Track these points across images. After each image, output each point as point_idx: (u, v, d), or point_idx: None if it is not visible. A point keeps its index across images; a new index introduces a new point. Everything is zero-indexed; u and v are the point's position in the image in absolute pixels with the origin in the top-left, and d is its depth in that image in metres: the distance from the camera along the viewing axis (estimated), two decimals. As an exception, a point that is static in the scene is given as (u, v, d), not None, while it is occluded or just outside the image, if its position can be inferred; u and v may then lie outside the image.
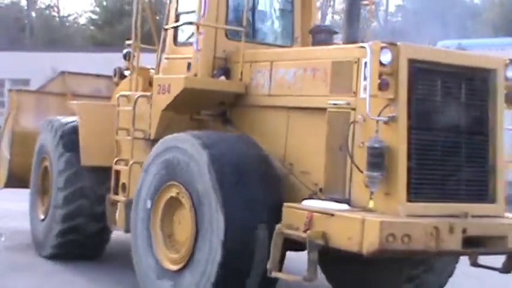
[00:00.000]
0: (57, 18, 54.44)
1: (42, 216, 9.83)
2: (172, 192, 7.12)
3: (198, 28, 7.89)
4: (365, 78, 6.13)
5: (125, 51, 9.50)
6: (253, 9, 8.66)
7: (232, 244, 6.38)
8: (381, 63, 5.90)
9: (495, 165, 6.51)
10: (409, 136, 6.03)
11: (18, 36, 47.97)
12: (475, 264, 7.12)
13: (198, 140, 6.87)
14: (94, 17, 47.21)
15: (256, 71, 7.73)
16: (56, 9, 48.74)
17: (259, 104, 7.67)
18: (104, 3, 46.03)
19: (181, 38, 8.73)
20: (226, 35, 8.19)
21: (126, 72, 9.81)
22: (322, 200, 6.45)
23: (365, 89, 6.10)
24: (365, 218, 5.66)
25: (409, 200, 5.97)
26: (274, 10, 9.10)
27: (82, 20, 52.83)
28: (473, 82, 6.46)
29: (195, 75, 7.94)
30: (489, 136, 6.52)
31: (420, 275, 7.60)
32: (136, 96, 8.42)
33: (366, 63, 6.04)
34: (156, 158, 7.39)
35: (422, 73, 6.13)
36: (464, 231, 5.88)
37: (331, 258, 7.31)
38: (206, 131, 7.44)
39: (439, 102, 6.25)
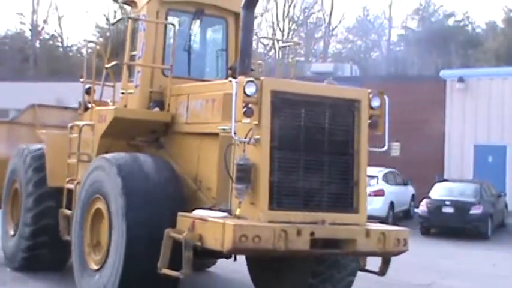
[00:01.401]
0: (61, 49, 55.42)
1: (12, 233, 11.39)
2: (98, 204, 8.60)
3: (128, 67, 9.46)
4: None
5: (87, 86, 10.82)
6: (189, 49, 10.12)
7: (133, 252, 7.80)
8: (246, 94, 7.29)
9: (358, 181, 7.80)
10: (272, 155, 7.38)
11: (22, 67, 49.31)
12: (361, 269, 8.44)
13: (114, 160, 8.37)
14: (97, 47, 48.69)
15: (179, 102, 9.24)
16: (59, 39, 50.43)
17: (181, 131, 9.15)
18: (108, 33, 47.48)
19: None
20: (163, 73, 9.69)
21: (90, 105, 11.32)
22: (215, 210, 7.81)
23: (239, 116, 7.47)
24: (225, 222, 7.01)
25: (270, 209, 7.30)
26: (209, 50, 10.57)
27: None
28: (338, 110, 7.79)
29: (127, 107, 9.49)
30: (354, 156, 7.82)
31: (324, 270, 8.81)
32: (81, 125, 9.98)
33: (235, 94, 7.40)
34: (87, 176, 8.91)
35: (285, 102, 7.51)
36: (312, 234, 7.17)
37: (253, 262, 9.12)
38: (124, 153, 8.80)
39: (302, 126, 7.59)
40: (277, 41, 10.38)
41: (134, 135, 9.61)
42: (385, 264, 8.18)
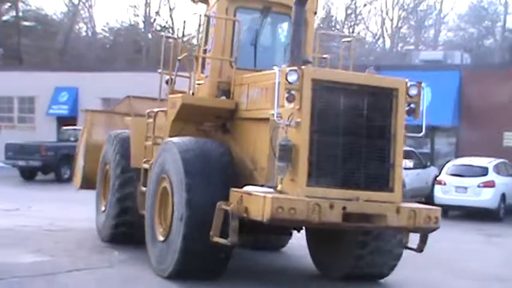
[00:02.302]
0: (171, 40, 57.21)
1: (103, 209, 12.83)
2: (164, 183, 9.81)
3: (197, 59, 10.64)
4: (285, 94, 8.49)
5: (166, 77, 11.81)
6: (256, 43, 11.07)
7: (190, 227, 8.94)
8: (289, 82, 8.27)
9: (394, 163, 8.65)
10: (311, 137, 8.35)
11: (135, 58, 51.49)
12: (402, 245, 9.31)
13: (177, 144, 9.57)
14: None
15: (241, 91, 10.31)
16: (171, 30, 52.29)
17: (242, 116, 10.22)
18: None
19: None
20: (231, 65, 10.73)
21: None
22: (264, 186, 8.84)
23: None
24: (266, 196, 8.05)
25: (308, 185, 8.28)
26: (277, 44, 11.51)
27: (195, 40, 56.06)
28: (376, 97, 8.66)
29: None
30: (391, 140, 8.66)
31: (371, 241, 9.71)
32: (156, 111, 11.22)
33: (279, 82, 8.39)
34: (157, 157, 10.16)
35: (324, 89, 8.45)
36: (344, 208, 8.12)
37: (311, 238, 10.35)
38: (188, 137, 9.95)
39: (341, 112, 8.51)
40: (340, 36, 11.02)
41: (202, 120, 10.72)
42: (423, 241, 9.01)
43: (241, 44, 10.83)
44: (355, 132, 8.56)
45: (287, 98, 8.30)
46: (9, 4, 50.23)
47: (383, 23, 55.96)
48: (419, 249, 9.10)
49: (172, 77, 11.46)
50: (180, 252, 9.11)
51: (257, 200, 8.19)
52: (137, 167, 11.67)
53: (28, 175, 27.42)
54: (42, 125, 33.75)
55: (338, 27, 57.62)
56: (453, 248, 14.73)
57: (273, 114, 8.66)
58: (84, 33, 56.20)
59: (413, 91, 8.79)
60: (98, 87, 32.06)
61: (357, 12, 56.64)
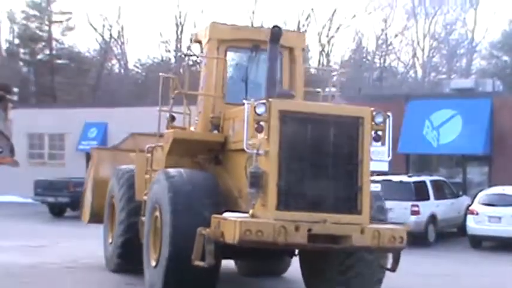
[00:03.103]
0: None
1: (110, 240, 13.74)
2: (156, 212, 10.68)
3: (186, 96, 11.53)
4: (253, 126, 9.30)
5: (167, 115, 12.51)
6: (246, 79, 11.88)
7: (175, 244, 9.80)
8: (257, 114, 9.11)
9: (362, 187, 9.35)
10: (280, 165, 9.12)
11: (167, 93, 53.36)
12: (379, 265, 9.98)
13: (165, 174, 10.47)
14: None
15: (229, 125, 11.16)
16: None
17: (230, 148, 11.04)
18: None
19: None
20: (223, 100, 11.58)
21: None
22: (242, 213, 9.61)
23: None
24: (235, 220, 8.83)
25: (277, 209, 9.03)
26: (264, 79, 12.20)
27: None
28: (342, 125, 9.42)
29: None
30: (358, 165, 9.37)
31: (353, 266, 10.34)
32: (153, 146, 12.20)
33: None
34: (150, 189, 11.04)
35: (291, 119, 9.23)
36: (309, 230, 8.82)
37: (302, 262, 11.13)
38: (178, 169, 10.74)
39: (308, 140, 9.27)
40: (326, 71, 11.88)
41: (196, 153, 11.55)
42: (395, 261, 9.68)
43: (232, 80, 11.76)
44: (322, 159, 9.30)
45: (256, 129, 9.13)
46: (43, 43, 52.06)
47: (414, 53, 56.61)
48: (393, 269, 9.76)
49: (171, 113, 12.28)
50: (165, 275, 9.92)
51: (230, 224, 8.96)
52: (140, 200, 12.48)
53: (57, 211, 28.38)
54: (71, 161, 34.94)
55: (369, 57, 58.55)
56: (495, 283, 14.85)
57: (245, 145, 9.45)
58: (116, 70, 57.83)
59: (379, 119, 9.50)
60: (127, 122, 33.14)
61: (388, 42, 57.32)
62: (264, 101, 9.24)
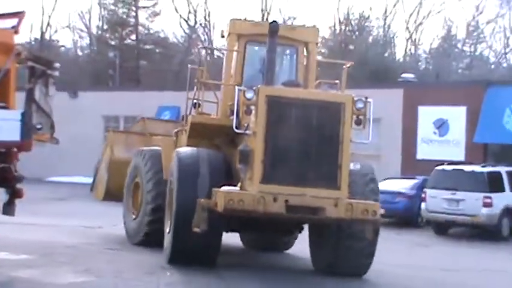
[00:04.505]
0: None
1: (133, 216, 15.22)
2: (171, 186, 12.56)
3: (205, 85, 13.39)
4: (241, 108, 11.10)
5: (194, 101, 13.66)
6: (263, 70, 12.92)
7: (178, 213, 11.70)
8: (246, 98, 10.92)
9: (341, 165, 11.00)
10: (265, 143, 10.88)
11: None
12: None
13: (178, 153, 12.36)
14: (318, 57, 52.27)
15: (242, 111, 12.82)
16: None
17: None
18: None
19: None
20: None
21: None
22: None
23: (241, 114, 11.09)
24: (223, 191, 10.72)
25: (261, 183, 10.78)
26: (282, 71, 13.77)
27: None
28: (325, 110, 11.07)
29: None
30: (339, 146, 11.00)
31: (345, 240, 11.94)
32: (177, 130, 14.13)
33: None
34: (172, 166, 12.85)
35: (277, 103, 10.96)
36: (286, 201, 10.57)
37: (310, 235, 12.64)
38: (192, 148, 12.51)
39: (293, 122, 10.97)
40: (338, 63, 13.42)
41: (213, 136, 13.34)
42: (374, 233, 11.22)
43: (250, 70, 13.43)
44: (305, 139, 10.98)
45: (245, 112, 10.96)
46: (130, 29, 55.15)
47: (507, 41, 56.39)
48: (372, 240, 11.50)
49: (194, 100, 13.80)
50: (172, 240, 11.84)
51: (220, 195, 10.81)
52: (167, 179, 13.80)
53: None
54: (145, 143, 37.36)
55: (459, 46, 58.75)
56: None
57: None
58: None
59: (359, 105, 11.14)
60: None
61: (479, 30, 57.33)
62: (253, 87, 11.02)
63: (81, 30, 58.15)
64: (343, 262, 12.18)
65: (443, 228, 22.72)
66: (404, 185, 25.11)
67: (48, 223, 17.86)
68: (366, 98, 11.27)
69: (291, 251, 15.61)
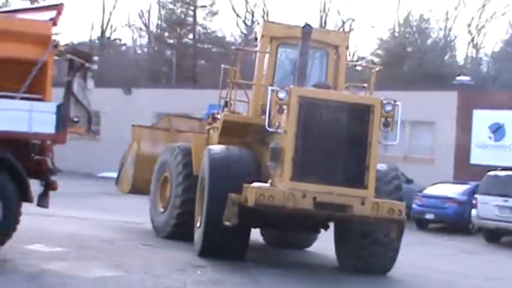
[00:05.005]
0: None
1: (161, 210, 15.55)
2: (203, 182, 12.91)
3: (231, 85, 13.66)
4: (277, 109, 11.37)
5: (223, 101, 14.07)
6: (294, 71, 13.14)
7: (211, 207, 12.02)
8: (279, 98, 11.16)
9: (369, 166, 11.25)
10: (296, 142, 11.14)
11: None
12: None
13: (210, 150, 12.71)
14: (376, 59, 52.56)
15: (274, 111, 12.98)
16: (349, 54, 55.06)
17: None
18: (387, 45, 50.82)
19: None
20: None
21: (218, 116, 14.76)
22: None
23: (275, 114, 11.33)
24: (254, 186, 10.97)
25: (291, 180, 11.06)
26: (313, 73, 13.88)
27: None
28: (355, 112, 11.37)
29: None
30: (367, 147, 11.27)
31: (368, 245, 12.22)
32: (208, 128, 14.47)
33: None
34: (202, 162, 13.18)
35: (309, 104, 11.25)
36: (314, 198, 10.82)
37: (336, 233, 12.95)
38: (223, 145, 12.91)
39: (323, 122, 11.28)
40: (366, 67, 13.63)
41: (244, 134, 13.62)
42: (399, 233, 11.49)
43: (282, 72, 13.79)
44: (334, 139, 11.32)
45: (277, 111, 11.25)
46: (188, 28, 55.88)
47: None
48: (396, 240, 11.74)
49: (227, 99, 14.03)
50: (204, 234, 12.19)
51: (251, 190, 11.11)
52: (197, 174, 14.10)
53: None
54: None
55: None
56: None
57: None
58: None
59: (388, 107, 11.39)
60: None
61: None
62: (286, 87, 11.31)
63: (141, 29, 59.16)
64: (367, 265, 12.52)
65: (495, 236, 22.36)
66: (455, 190, 24.87)
67: (91, 217, 18.21)
68: (395, 101, 11.56)
69: (311, 248, 15.93)
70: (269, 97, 11.40)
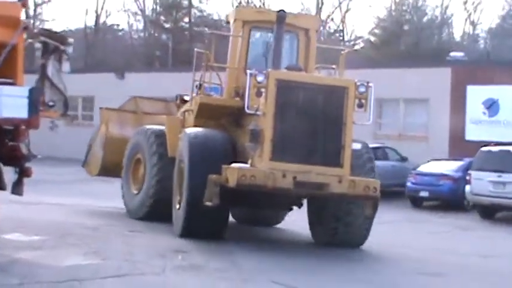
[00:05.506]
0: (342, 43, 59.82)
1: (135, 192, 15.45)
2: (181, 164, 12.84)
3: (211, 68, 13.69)
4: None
5: (197, 83, 14.12)
6: (267, 55, 13.60)
7: (191, 190, 12.01)
8: (257, 81, 11.16)
9: (345, 145, 11.36)
10: (275, 123, 11.15)
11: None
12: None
13: (187, 133, 12.65)
14: (373, 38, 52.29)
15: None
16: (341, 34, 54.85)
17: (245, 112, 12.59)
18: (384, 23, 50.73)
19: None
20: (245, 72, 13.15)
21: (186, 97, 15.11)
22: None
23: (254, 96, 11.28)
24: (235, 167, 10.99)
25: (271, 160, 11.09)
26: (284, 56, 13.48)
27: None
28: (330, 93, 11.51)
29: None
30: (342, 127, 11.38)
31: (343, 216, 12.48)
32: (184, 110, 14.38)
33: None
34: (178, 145, 13.14)
35: (286, 87, 11.29)
36: (294, 177, 10.87)
37: (309, 211, 13.12)
38: (199, 128, 12.93)
39: (300, 104, 11.34)
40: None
41: (219, 116, 13.68)
42: (373, 209, 11.65)
43: (254, 55, 13.82)
44: (311, 121, 11.44)
45: (256, 94, 11.24)
46: (183, 11, 55.58)
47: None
48: (370, 216, 11.91)
49: (201, 82, 14.06)
50: (184, 215, 12.21)
51: (232, 170, 11.18)
52: (172, 156, 14.04)
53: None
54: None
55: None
56: None
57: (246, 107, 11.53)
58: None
59: (361, 89, 11.50)
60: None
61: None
62: (264, 71, 11.33)
63: (136, 14, 58.86)
64: (343, 236, 12.76)
65: (489, 212, 22.17)
66: (449, 167, 24.65)
67: (78, 203, 17.98)
68: (368, 82, 11.68)
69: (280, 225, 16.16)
70: (248, 80, 11.42)
